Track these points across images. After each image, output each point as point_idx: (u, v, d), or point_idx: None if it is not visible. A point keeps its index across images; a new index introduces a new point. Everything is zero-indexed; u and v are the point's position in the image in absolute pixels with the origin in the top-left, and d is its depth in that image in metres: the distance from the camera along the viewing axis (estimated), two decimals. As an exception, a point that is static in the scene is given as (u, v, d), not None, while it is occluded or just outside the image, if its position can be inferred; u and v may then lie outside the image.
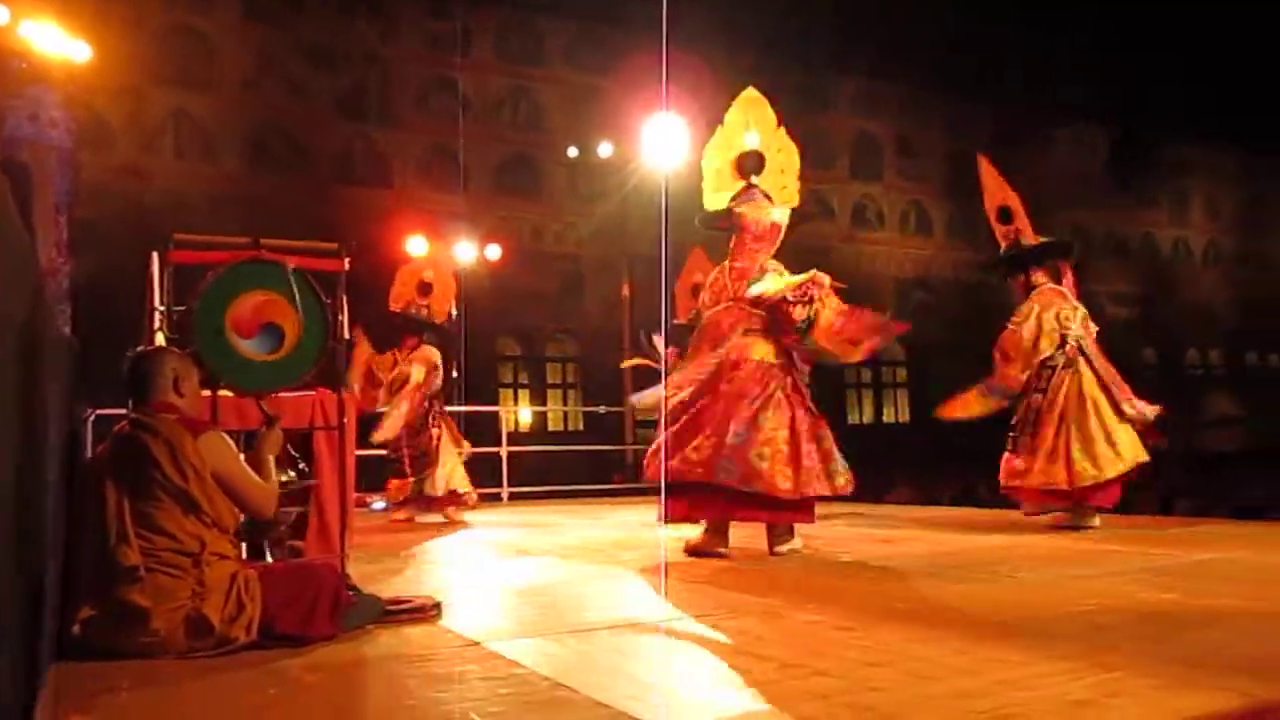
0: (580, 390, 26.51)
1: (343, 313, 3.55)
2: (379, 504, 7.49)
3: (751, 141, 5.42)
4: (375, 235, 15.30)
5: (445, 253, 10.78)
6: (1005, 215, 6.41)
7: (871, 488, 11.05)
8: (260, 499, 3.09)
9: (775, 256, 5.31)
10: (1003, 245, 6.44)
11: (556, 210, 26.54)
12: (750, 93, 5.55)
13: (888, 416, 31.54)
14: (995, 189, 6.47)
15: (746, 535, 5.26)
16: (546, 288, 25.78)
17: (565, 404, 26.56)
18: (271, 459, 3.28)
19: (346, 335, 3.59)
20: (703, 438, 4.93)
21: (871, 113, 31.42)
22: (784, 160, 5.47)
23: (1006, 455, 6.14)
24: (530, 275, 24.83)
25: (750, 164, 5.38)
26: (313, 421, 4.36)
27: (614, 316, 19.30)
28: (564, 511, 8.72)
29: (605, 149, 18.05)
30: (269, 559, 3.54)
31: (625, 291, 19.20)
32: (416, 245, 9.46)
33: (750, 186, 5.36)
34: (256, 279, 3.45)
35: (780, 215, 5.33)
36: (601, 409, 13.82)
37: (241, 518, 3.08)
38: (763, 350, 5.10)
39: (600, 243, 24.40)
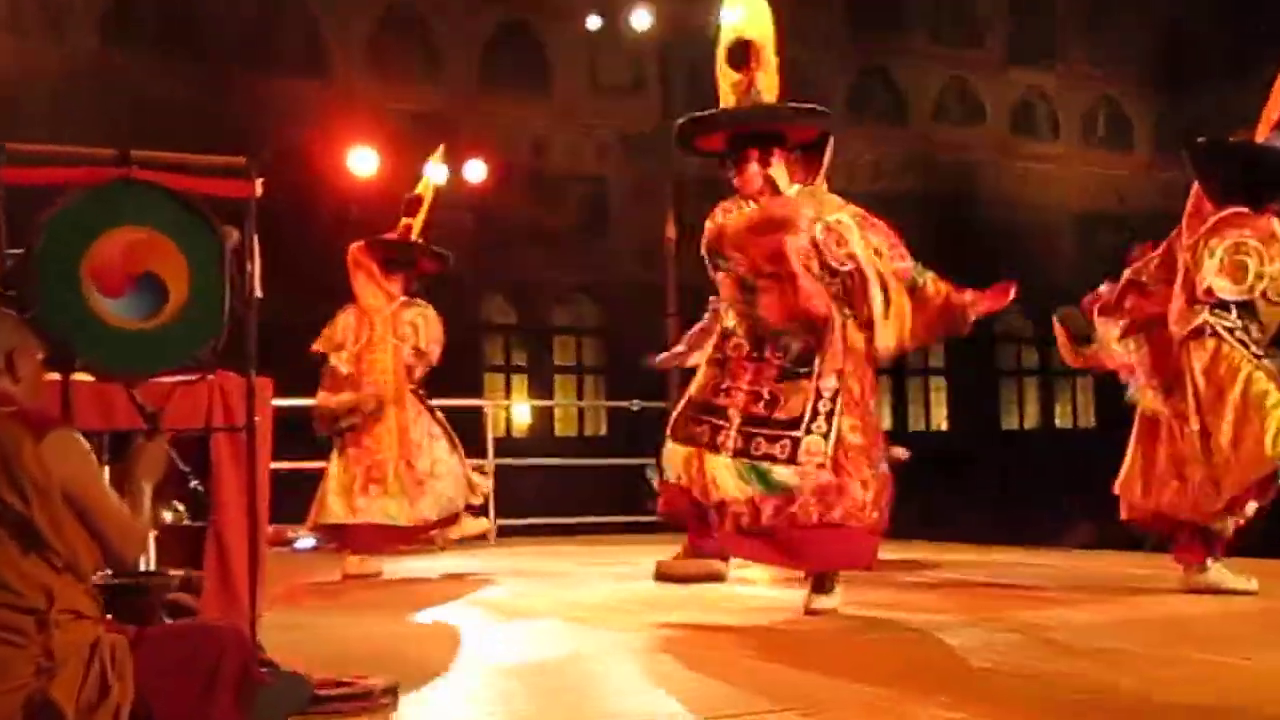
0: (604, 377, 26.54)
1: (252, 259, 3.57)
2: (305, 541, 7.58)
3: (739, 23, 5.59)
4: (304, 145, 15.41)
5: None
6: None
7: (1035, 524, 10.94)
8: (122, 535, 3.09)
9: None
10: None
11: (569, 110, 26.54)
12: None
13: (1062, 420, 31.33)
14: None
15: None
16: (554, 224, 25.79)
17: (580, 396, 26.66)
18: (149, 486, 3.30)
19: (258, 292, 3.61)
20: None
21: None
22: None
23: None
24: (530, 205, 24.87)
25: (739, 55, 5.54)
26: (210, 420, 4.38)
27: (653, 266, 19.30)
28: (575, 554, 8.78)
29: (640, 18, 17.99)
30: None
31: (669, 230, 19.18)
32: (364, 159, 9.54)
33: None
34: (126, 209, 3.48)
35: None
36: (634, 405, 13.79)
37: (103, 565, 3.11)
38: None
39: (634, 158, 24.38)
